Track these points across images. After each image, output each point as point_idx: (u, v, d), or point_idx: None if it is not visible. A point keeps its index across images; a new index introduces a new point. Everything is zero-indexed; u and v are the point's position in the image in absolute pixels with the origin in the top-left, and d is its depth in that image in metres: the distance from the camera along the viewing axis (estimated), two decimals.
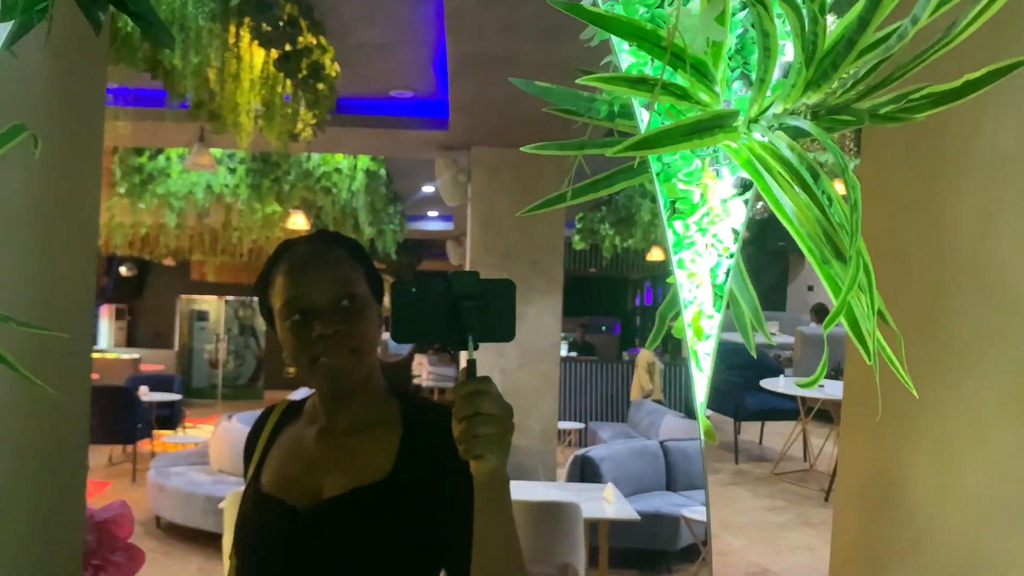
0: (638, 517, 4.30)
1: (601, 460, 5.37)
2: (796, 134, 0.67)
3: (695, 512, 4.75)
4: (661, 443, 5.99)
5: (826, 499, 6.73)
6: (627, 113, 0.76)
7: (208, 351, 14.39)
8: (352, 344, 1.12)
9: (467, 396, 0.88)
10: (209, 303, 14.57)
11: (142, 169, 6.97)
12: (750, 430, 9.20)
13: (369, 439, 1.17)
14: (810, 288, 12.08)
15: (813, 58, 0.59)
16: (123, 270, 14.33)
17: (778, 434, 8.49)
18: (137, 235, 9.20)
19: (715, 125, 0.60)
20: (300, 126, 3.97)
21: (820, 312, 9.31)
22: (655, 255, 9.85)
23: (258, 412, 1.38)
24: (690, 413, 8.73)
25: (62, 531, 1.97)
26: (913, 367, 1.61)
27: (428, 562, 1.13)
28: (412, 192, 9.12)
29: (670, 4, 0.66)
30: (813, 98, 0.62)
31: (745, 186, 0.72)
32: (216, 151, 6.34)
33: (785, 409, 8.09)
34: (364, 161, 7.30)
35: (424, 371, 12.45)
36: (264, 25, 3.34)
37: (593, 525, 4.32)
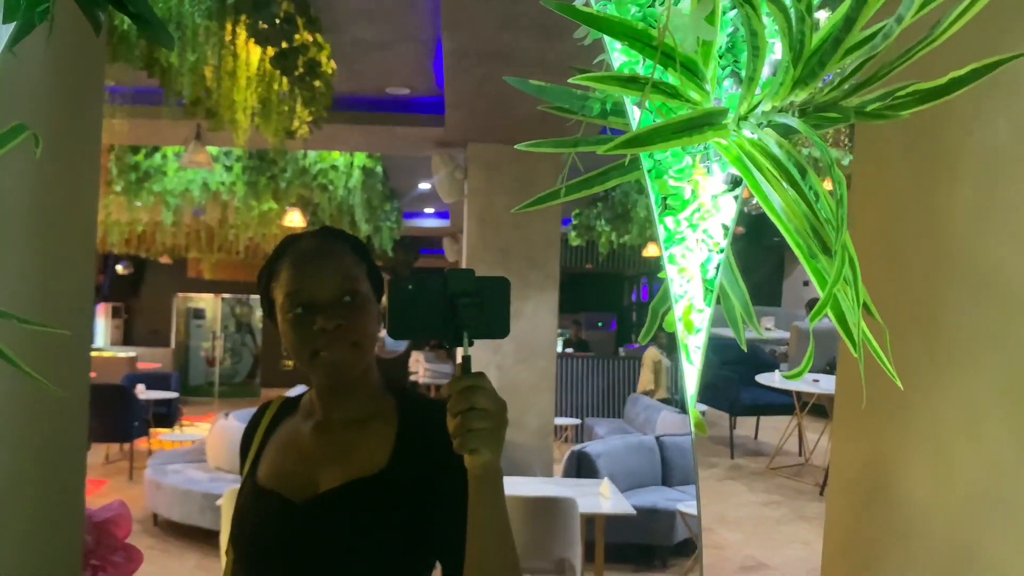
0: (634, 512, 4.32)
1: (597, 456, 5.39)
2: (785, 131, 0.68)
3: (691, 507, 4.77)
4: (657, 438, 6.01)
5: (821, 493, 6.76)
6: (620, 111, 0.77)
7: (205, 349, 14.39)
8: (353, 339, 1.13)
9: (462, 391, 0.90)
10: (205, 301, 14.56)
11: (138, 167, 6.97)
12: (746, 425, 9.23)
13: (365, 433, 1.19)
14: (805, 283, 12.11)
15: (801, 57, 0.60)
16: (119, 268, 14.32)
17: (773, 429, 8.52)
18: (133, 233, 9.21)
19: (704, 123, 0.61)
20: (296, 123, 3.97)
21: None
22: (651, 251, 9.87)
23: (255, 410, 1.39)
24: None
25: (61, 531, 1.98)
26: (907, 362, 1.62)
27: (423, 554, 1.15)
28: (409, 189, 9.12)
29: (661, 4, 0.67)
30: (801, 96, 0.64)
31: (735, 182, 0.74)
32: (212, 149, 6.34)
33: (780, 404, 8.13)
34: (361, 158, 7.31)
35: (421, 368, 12.46)
36: (260, 23, 3.34)
37: (589, 520, 4.34)
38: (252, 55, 3.56)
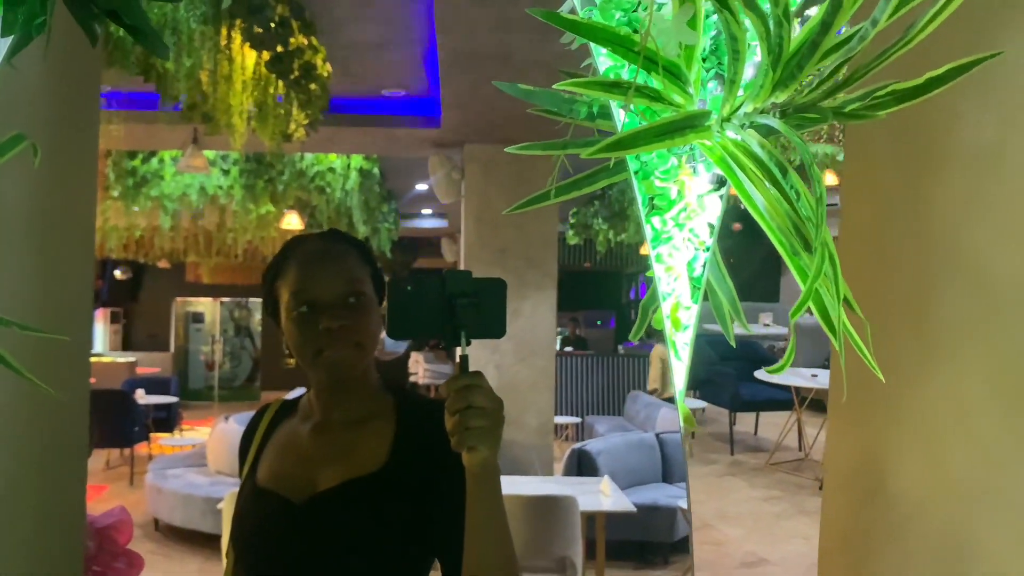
0: (634, 509, 4.34)
1: (598, 454, 5.40)
2: (768, 132, 0.70)
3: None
4: (657, 435, 6.03)
5: (821, 488, 6.78)
6: (606, 114, 0.79)
7: (204, 353, 14.40)
8: (356, 339, 1.15)
9: (459, 390, 0.91)
10: (204, 305, 14.57)
11: (135, 172, 6.98)
12: (745, 421, 9.25)
13: (364, 433, 1.21)
14: None
15: (780, 60, 0.62)
16: (118, 273, 14.33)
17: (773, 424, 8.54)
18: (131, 238, 9.22)
19: (686, 126, 0.63)
20: (293, 126, 3.98)
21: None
22: (648, 249, 9.86)
23: (254, 413, 1.41)
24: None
25: (63, 536, 2.00)
26: (899, 357, 1.64)
27: (422, 551, 1.16)
28: (406, 190, 9.13)
29: (645, 9, 0.68)
30: (781, 97, 0.65)
31: (721, 182, 0.75)
32: (209, 153, 6.36)
33: (780, 400, 8.15)
34: (357, 160, 7.32)
35: (420, 369, 12.47)
36: (255, 27, 3.36)
37: (590, 518, 4.35)
38: (248, 59, 3.57)
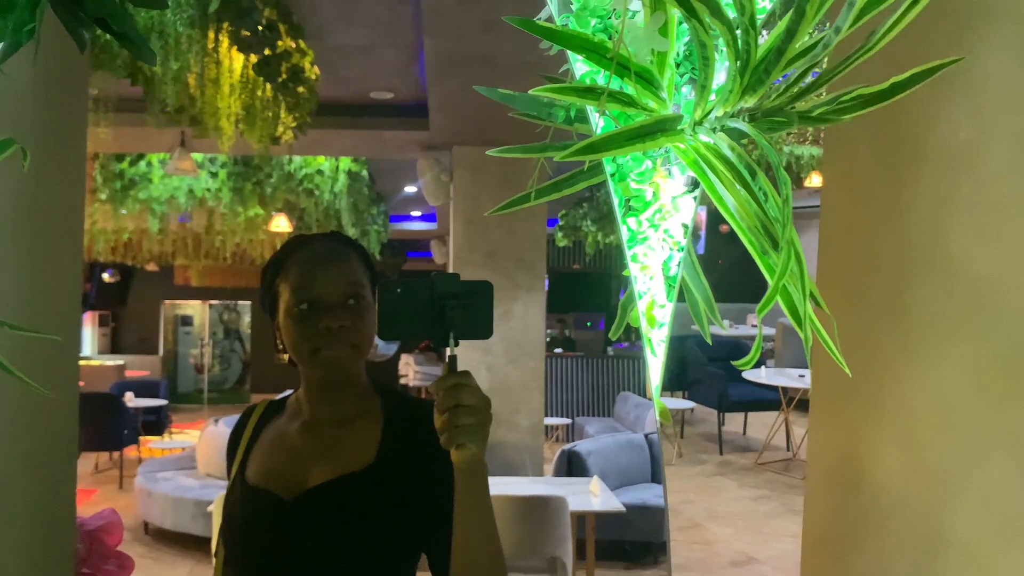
0: (623, 509, 4.36)
1: (588, 454, 5.43)
2: (740, 135, 0.72)
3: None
4: (646, 436, 6.06)
5: None
6: (583, 118, 0.81)
7: (193, 356, 14.36)
8: (353, 340, 1.18)
9: (449, 389, 0.94)
10: (193, 307, 14.53)
11: (123, 175, 6.96)
12: (734, 421, 9.30)
13: (352, 431, 1.23)
14: None
15: (748, 66, 0.64)
16: (106, 276, 14.28)
17: (762, 424, 8.59)
18: (119, 241, 9.19)
19: (658, 129, 0.65)
20: (281, 129, 3.99)
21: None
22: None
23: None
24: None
25: (54, 539, 2.00)
26: (879, 354, 1.67)
27: (409, 546, 1.19)
28: (395, 192, 9.15)
29: (618, 17, 0.71)
30: (750, 102, 0.68)
31: (694, 184, 0.77)
32: (197, 155, 6.35)
33: (768, 400, 8.20)
34: (346, 162, 7.33)
35: (411, 371, 12.47)
36: (243, 30, 3.37)
37: (580, 518, 4.37)
38: (235, 62, 3.58)
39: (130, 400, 8.30)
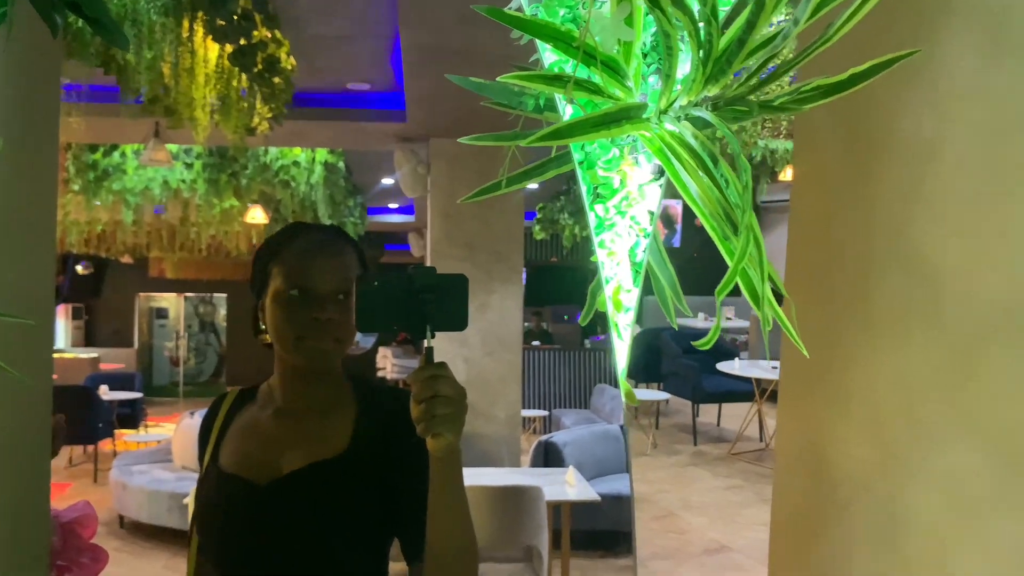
0: (599, 498, 4.40)
1: (564, 445, 5.46)
2: (704, 124, 0.74)
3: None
4: (621, 427, 6.11)
5: None
6: (553, 106, 0.83)
7: (169, 349, 14.24)
8: (337, 334, 1.20)
9: (426, 380, 0.96)
10: (168, 300, 14.40)
11: (96, 166, 6.88)
12: (708, 412, 9.40)
13: (325, 419, 1.24)
14: None
15: (710, 56, 0.66)
16: (79, 268, 14.10)
17: (735, 416, 8.69)
18: (93, 233, 9.09)
19: (622, 117, 0.67)
20: (257, 120, 3.97)
21: (783, 297, 9.52)
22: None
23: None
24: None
25: (29, 532, 1.99)
26: (845, 342, 1.71)
27: (382, 532, 1.20)
28: (372, 184, 9.11)
29: (585, 7, 0.72)
30: (713, 91, 0.70)
31: (661, 172, 0.79)
32: (172, 146, 6.29)
33: (741, 391, 8.30)
34: (322, 154, 7.29)
35: (388, 363, 12.46)
36: (218, 19, 3.34)
37: (556, 508, 4.41)
38: (210, 52, 3.56)
39: (104, 393, 8.22)
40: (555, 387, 9.83)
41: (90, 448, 7.82)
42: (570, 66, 0.73)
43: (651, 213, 0.78)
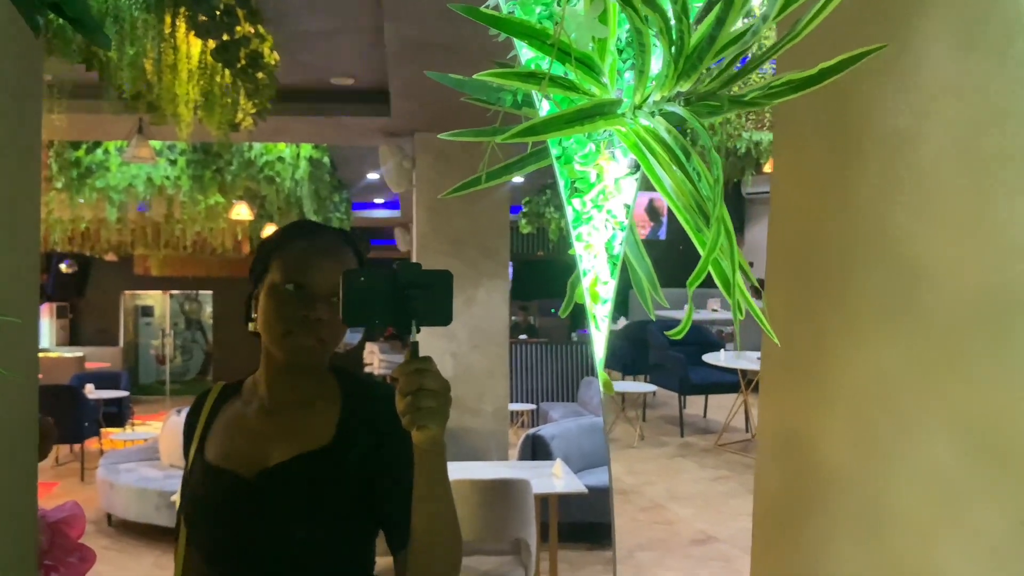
0: (586, 490, 4.42)
1: (551, 438, 5.49)
2: (679, 119, 0.76)
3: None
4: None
5: None
6: (530, 102, 0.84)
7: (155, 347, 14.18)
8: (323, 335, 1.22)
9: (411, 373, 0.98)
10: (154, 298, 14.33)
11: (79, 163, 6.83)
12: (695, 404, 9.45)
13: (310, 412, 1.26)
14: (750, 264, 12.42)
15: (681, 53, 0.67)
16: (63, 267, 13.99)
17: (721, 407, 8.74)
18: (77, 231, 9.02)
19: (596, 113, 0.69)
20: (241, 116, 3.96)
21: (759, 289, 9.57)
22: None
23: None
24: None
25: (16, 532, 1.99)
26: (826, 333, 1.73)
27: (368, 523, 1.22)
28: (357, 179, 9.09)
29: (560, 4, 0.74)
30: (685, 87, 0.71)
31: (637, 166, 0.81)
32: (156, 143, 6.26)
33: (727, 383, 8.35)
34: (307, 149, 7.27)
35: (376, 359, 12.45)
36: (200, 15, 3.33)
37: (544, 500, 4.43)
38: (193, 48, 3.54)
39: (90, 392, 8.18)
40: (542, 381, 9.86)
41: (76, 447, 7.79)
42: (547, 63, 0.74)
43: (627, 206, 0.80)
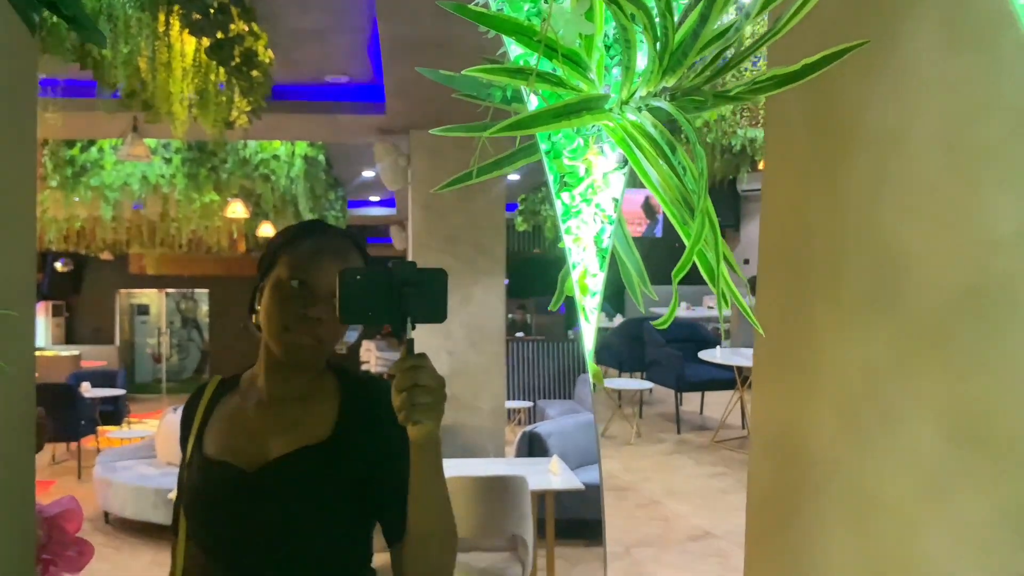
0: (582, 486, 4.44)
1: (548, 435, 5.50)
2: (666, 114, 0.77)
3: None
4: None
5: None
6: (519, 98, 0.86)
7: (151, 345, 14.17)
8: (322, 334, 1.23)
9: (407, 370, 1.00)
10: (149, 296, 14.32)
11: (74, 161, 6.83)
12: (691, 401, 9.47)
13: (309, 406, 1.28)
14: (746, 261, 12.44)
15: (666, 49, 0.69)
16: (59, 266, 13.98)
17: (718, 404, 8.76)
18: (72, 229, 9.02)
19: (582, 108, 0.70)
20: (235, 114, 3.97)
21: (755, 284, 9.61)
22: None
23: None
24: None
25: (14, 526, 2.00)
26: (816, 328, 1.75)
27: (365, 516, 1.24)
28: (352, 177, 9.09)
29: (546, 2, 0.75)
30: (671, 82, 0.73)
31: (625, 161, 0.82)
32: (151, 141, 6.26)
33: (723, 379, 8.36)
34: (302, 147, 7.27)
35: (372, 357, 12.46)
36: (194, 13, 3.34)
37: (541, 497, 4.45)
38: (187, 46, 3.54)
39: (87, 390, 8.19)
40: (539, 378, 9.87)
41: (73, 445, 7.79)
42: (535, 59, 0.75)
43: (615, 200, 0.81)
